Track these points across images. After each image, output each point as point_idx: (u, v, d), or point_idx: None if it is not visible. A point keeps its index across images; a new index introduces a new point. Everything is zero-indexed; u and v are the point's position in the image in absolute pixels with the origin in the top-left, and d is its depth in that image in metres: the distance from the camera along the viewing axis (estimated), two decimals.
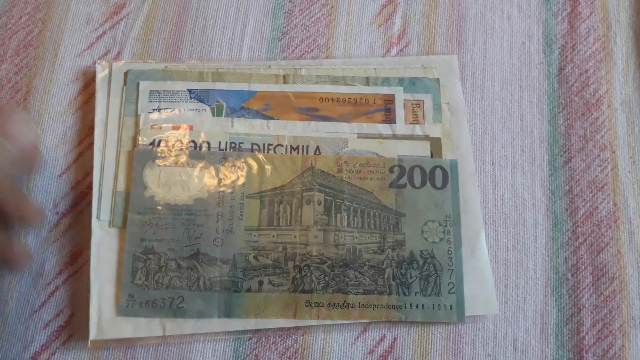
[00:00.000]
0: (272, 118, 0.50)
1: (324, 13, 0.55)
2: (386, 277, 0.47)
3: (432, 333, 0.47)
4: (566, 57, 0.55)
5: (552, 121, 0.53)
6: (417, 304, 0.47)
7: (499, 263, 0.49)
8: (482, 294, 0.48)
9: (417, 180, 0.49)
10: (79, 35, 0.53)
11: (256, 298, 0.46)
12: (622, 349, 0.48)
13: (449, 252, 0.48)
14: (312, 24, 0.55)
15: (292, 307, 0.46)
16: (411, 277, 0.47)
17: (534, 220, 0.50)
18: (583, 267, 0.49)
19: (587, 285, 0.49)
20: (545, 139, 0.52)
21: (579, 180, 0.51)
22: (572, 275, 0.49)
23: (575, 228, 0.50)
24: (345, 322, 0.47)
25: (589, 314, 0.48)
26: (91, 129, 0.50)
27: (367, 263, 0.47)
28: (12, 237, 0.47)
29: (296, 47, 0.54)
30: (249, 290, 0.46)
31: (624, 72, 0.54)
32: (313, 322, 0.46)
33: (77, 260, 0.48)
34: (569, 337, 0.48)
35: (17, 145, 0.43)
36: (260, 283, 0.47)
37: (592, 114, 0.53)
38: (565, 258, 0.49)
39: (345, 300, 0.47)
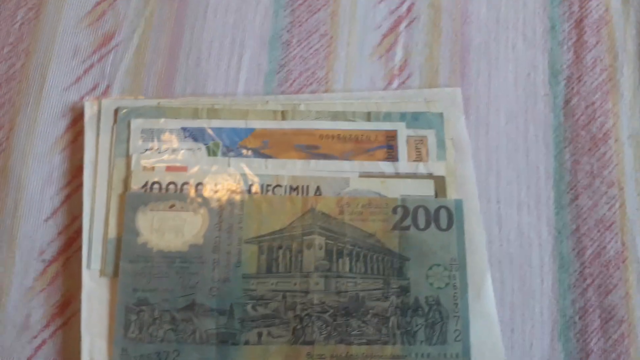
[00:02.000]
0: (270, 157, 0.48)
1: (323, 44, 0.53)
2: (390, 325, 0.45)
3: None
4: (572, 88, 0.53)
5: (558, 156, 0.51)
6: (423, 353, 0.45)
7: (504, 307, 0.48)
8: (488, 339, 0.46)
9: (422, 222, 0.47)
10: (65, 68, 0.51)
11: (255, 351, 0.44)
12: None
13: (455, 298, 0.46)
14: (311, 56, 0.53)
15: None
16: (416, 325, 0.45)
17: (540, 260, 0.49)
18: (591, 309, 0.48)
19: (595, 328, 0.48)
20: (552, 176, 0.51)
21: (586, 218, 0.50)
22: (579, 318, 0.48)
23: (583, 269, 0.49)
24: None
25: (598, 358, 0.47)
26: (79, 169, 0.48)
27: (370, 311, 0.45)
28: None
29: (294, 80, 0.52)
30: (247, 342, 0.44)
31: (631, 104, 0.53)
32: None
33: (65, 311, 0.46)
34: None
35: None
36: (259, 335, 0.45)
37: (599, 148, 0.51)
38: (573, 300, 0.48)
39: (348, 352, 0.45)
